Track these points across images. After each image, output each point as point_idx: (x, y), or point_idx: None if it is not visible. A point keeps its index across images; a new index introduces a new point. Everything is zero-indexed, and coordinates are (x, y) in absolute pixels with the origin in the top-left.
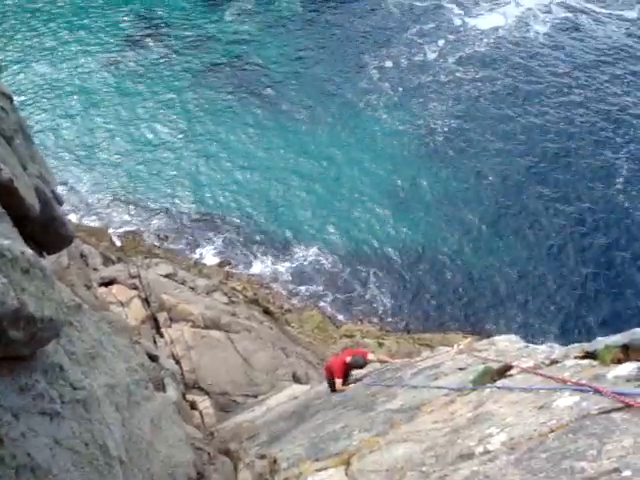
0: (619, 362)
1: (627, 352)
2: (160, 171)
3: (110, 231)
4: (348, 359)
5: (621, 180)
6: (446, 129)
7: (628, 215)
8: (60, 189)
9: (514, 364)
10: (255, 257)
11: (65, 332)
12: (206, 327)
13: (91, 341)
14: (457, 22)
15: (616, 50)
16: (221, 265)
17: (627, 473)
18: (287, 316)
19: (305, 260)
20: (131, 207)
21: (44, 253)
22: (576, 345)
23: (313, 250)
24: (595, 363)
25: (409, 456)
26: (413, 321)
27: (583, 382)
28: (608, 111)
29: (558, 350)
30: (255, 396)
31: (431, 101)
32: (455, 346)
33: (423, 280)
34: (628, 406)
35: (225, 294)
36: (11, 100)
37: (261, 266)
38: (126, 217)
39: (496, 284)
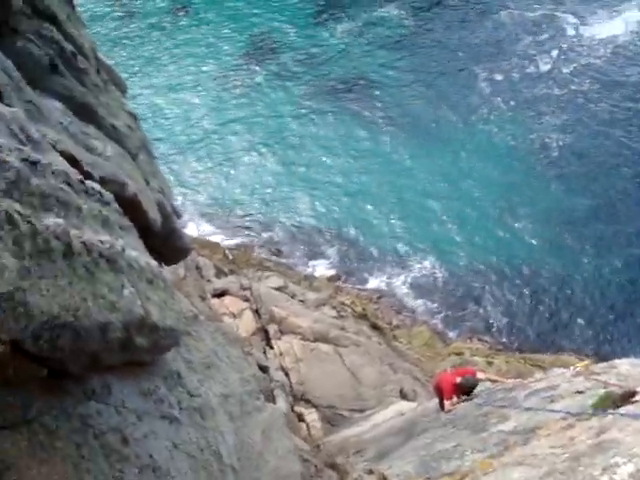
0: None
1: None
2: (272, 186)
3: (223, 244)
4: (458, 380)
5: None
6: (561, 143)
7: None
8: (179, 202)
9: (639, 389)
10: (365, 272)
11: (184, 341)
12: (315, 340)
13: (207, 351)
14: (571, 32)
15: None
16: (331, 279)
17: None
18: (395, 332)
19: (417, 275)
20: (244, 220)
21: (163, 264)
22: None
23: (426, 265)
24: None
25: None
26: (524, 340)
27: None
28: None
29: None
30: (362, 411)
31: (544, 115)
32: (572, 368)
33: (539, 298)
34: None
35: (334, 308)
36: (136, 118)
37: (371, 281)
38: (239, 230)
39: (618, 305)
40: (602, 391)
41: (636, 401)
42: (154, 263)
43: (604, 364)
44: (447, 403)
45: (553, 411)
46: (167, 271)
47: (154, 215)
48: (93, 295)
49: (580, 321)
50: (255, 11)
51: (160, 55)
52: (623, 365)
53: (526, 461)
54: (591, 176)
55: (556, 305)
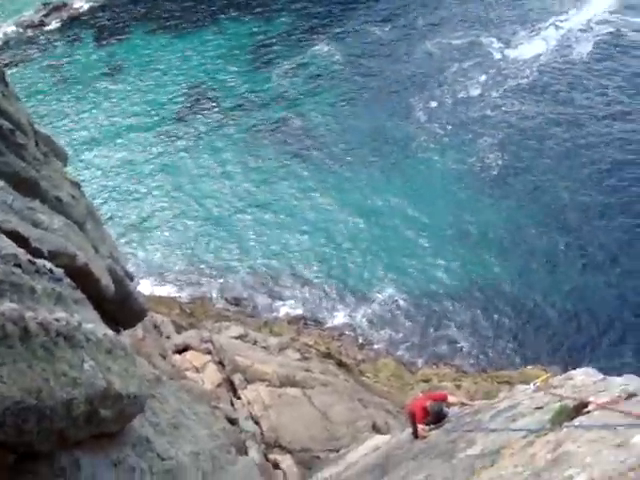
0: None
1: None
2: (223, 236)
3: (179, 298)
4: (428, 405)
5: None
6: (500, 162)
7: None
8: (129, 263)
9: (591, 400)
10: (325, 310)
11: (149, 405)
12: (282, 385)
13: (173, 411)
14: (497, 55)
15: None
16: (291, 322)
17: None
18: (361, 366)
19: (377, 307)
20: (197, 273)
21: (121, 329)
22: None
23: (385, 296)
24: None
25: None
26: (490, 359)
27: None
28: None
29: (636, 382)
30: (337, 450)
31: (481, 136)
32: (532, 384)
33: (498, 317)
34: None
35: (297, 350)
36: (79, 187)
37: (332, 319)
38: (194, 283)
39: (573, 315)
40: (557, 405)
41: (588, 412)
42: (111, 332)
43: (562, 376)
44: (420, 428)
45: (515, 430)
46: (126, 335)
47: (106, 282)
48: (54, 374)
49: (541, 334)
50: (189, 64)
51: (98, 118)
52: (578, 376)
53: None
54: (532, 190)
55: (516, 321)
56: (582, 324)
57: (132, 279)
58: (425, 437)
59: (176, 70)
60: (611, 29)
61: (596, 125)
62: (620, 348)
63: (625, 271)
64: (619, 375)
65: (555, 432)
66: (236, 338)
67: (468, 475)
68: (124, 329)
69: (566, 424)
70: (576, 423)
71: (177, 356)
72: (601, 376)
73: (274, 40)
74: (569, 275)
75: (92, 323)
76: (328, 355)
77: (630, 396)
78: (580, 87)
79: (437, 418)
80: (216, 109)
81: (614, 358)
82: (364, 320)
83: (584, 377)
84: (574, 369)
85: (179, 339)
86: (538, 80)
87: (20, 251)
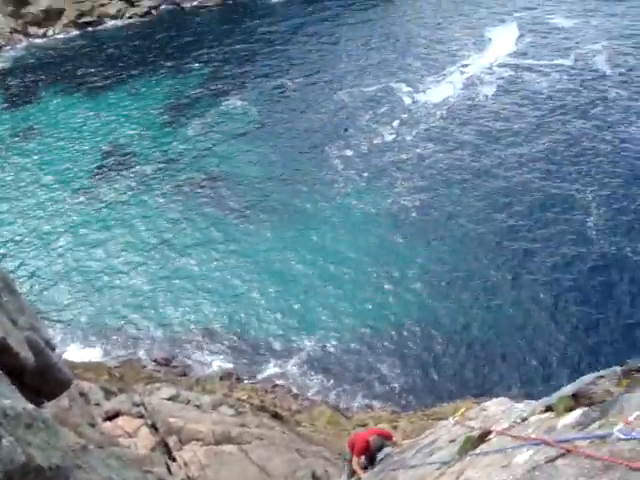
0: (572, 410)
1: (577, 400)
2: (148, 296)
3: (108, 362)
4: (371, 438)
5: (596, 217)
6: (417, 203)
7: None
8: (51, 330)
9: (492, 428)
10: (256, 364)
11: (75, 476)
12: (217, 443)
13: None
14: (408, 100)
15: (560, 94)
16: (223, 378)
17: None
18: (297, 417)
19: (307, 356)
20: (124, 336)
21: (44, 401)
22: (542, 400)
23: (314, 344)
24: (552, 415)
25: None
26: (423, 396)
27: (534, 437)
28: (569, 153)
29: (530, 406)
30: None
31: (397, 180)
32: (450, 418)
33: (428, 353)
34: (568, 451)
35: (231, 406)
36: None
37: (263, 371)
38: (121, 346)
39: (497, 348)
40: (464, 436)
41: (489, 439)
42: (30, 406)
43: (477, 408)
44: (354, 460)
45: (430, 463)
46: (50, 406)
47: (25, 354)
48: None
49: (472, 366)
50: (104, 124)
51: (9, 185)
52: (492, 406)
53: None
54: (448, 227)
55: (445, 355)
56: (507, 356)
57: (54, 349)
58: (357, 472)
59: (91, 131)
60: (511, 72)
61: (503, 157)
62: (546, 371)
63: (549, 304)
64: (537, 398)
65: (461, 461)
66: (168, 399)
67: None
68: (48, 400)
69: (470, 453)
70: (477, 451)
71: (107, 423)
72: (510, 404)
73: (188, 96)
74: (491, 306)
75: (9, 399)
76: (262, 408)
77: (523, 420)
78: (486, 125)
79: (373, 455)
80: (134, 169)
81: (538, 382)
82: (295, 369)
83: (496, 407)
84: (492, 399)
85: (109, 405)
86: (448, 122)
87: None
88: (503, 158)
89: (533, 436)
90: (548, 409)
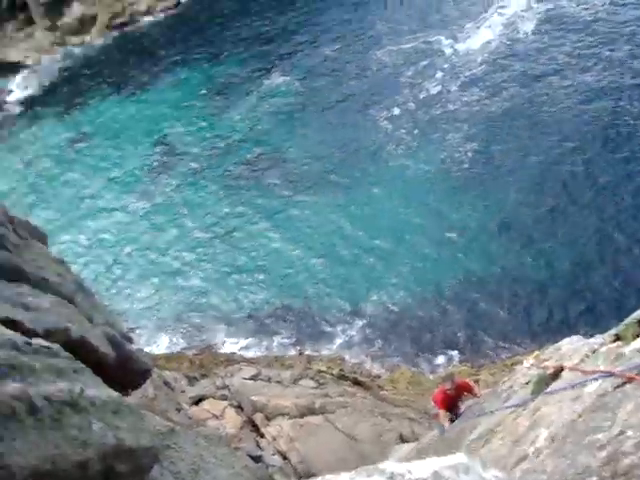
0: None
1: None
2: (214, 285)
3: (187, 352)
4: (447, 388)
5: None
6: (470, 155)
7: None
8: (131, 328)
9: (564, 365)
10: (328, 334)
11: (166, 455)
12: (303, 415)
13: (191, 458)
14: (448, 51)
15: (604, 22)
16: (300, 352)
17: (629, 433)
18: (378, 381)
19: (378, 320)
20: (198, 324)
21: (129, 391)
22: (612, 330)
23: (383, 308)
24: (621, 343)
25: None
26: (502, 347)
27: (601, 369)
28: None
29: (600, 338)
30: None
31: (447, 133)
32: (525, 362)
33: (496, 305)
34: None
35: (312, 379)
36: (63, 263)
37: (337, 341)
38: (197, 334)
39: (570, 286)
40: (535, 376)
41: (561, 376)
42: (115, 394)
43: (551, 348)
44: (441, 413)
45: (505, 407)
46: (136, 396)
47: (105, 349)
48: (64, 439)
49: (542, 311)
50: (151, 123)
51: (72, 190)
52: (565, 345)
53: (486, 458)
54: (503, 178)
55: (515, 304)
56: (582, 289)
57: (132, 342)
58: (444, 422)
59: (140, 129)
60: (549, 5)
61: (553, 101)
62: (620, 303)
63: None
64: (605, 332)
65: (535, 401)
66: (250, 379)
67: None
68: (133, 390)
69: (544, 391)
70: (549, 389)
71: (194, 407)
72: (584, 340)
73: (228, 81)
74: (556, 252)
75: (94, 388)
76: (343, 377)
77: (594, 352)
78: (531, 65)
79: (457, 406)
80: (187, 160)
81: (612, 315)
82: (367, 336)
83: (569, 345)
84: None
85: (193, 391)
86: (492, 67)
87: (17, 336)
88: (551, 96)
89: (601, 368)
90: (618, 338)
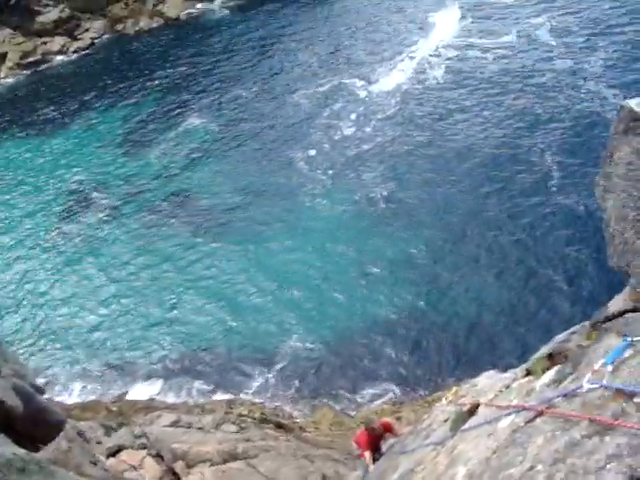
0: (549, 369)
1: (553, 359)
2: (132, 327)
3: (104, 400)
4: (369, 428)
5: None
6: (385, 193)
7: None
8: (42, 378)
9: (480, 401)
10: (248, 375)
11: None
12: (224, 461)
13: None
14: (362, 93)
15: (506, 67)
16: (220, 396)
17: (539, 467)
18: (300, 423)
19: (297, 361)
20: (115, 370)
21: (40, 446)
22: (523, 365)
23: (302, 350)
24: (532, 378)
25: None
26: (422, 384)
27: (513, 405)
28: (521, 123)
29: (512, 373)
30: None
31: (362, 173)
32: (444, 399)
33: (417, 343)
34: (541, 413)
35: (233, 423)
36: None
37: (257, 383)
38: (114, 382)
39: (485, 325)
40: (453, 414)
41: (477, 412)
42: (21, 451)
43: (467, 385)
44: (366, 455)
45: (426, 445)
46: (46, 451)
47: (12, 402)
48: None
49: (462, 348)
50: (63, 164)
51: None
52: (482, 380)
53: None
54: (419, 210)
55: (436, 341)
56: (497, 328)
57: (43, 393)
58: (369, 463)
59: (51, 171)
60: (457, 52)
61: (459, 139)
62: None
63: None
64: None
65: (453, 438)
66: (169, 426)
67: None
68: (44, 444)
69: (461, 428)
70: (467, 425)
71: (111, 459)
72: (499, 375)
73: (144, 122)
74: (466, 290)
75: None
76: (265, 420)
77: (507, 387)
78: (439, 105)
79: (378, 446)
80: (102, 203)
81: (524, 350)
82: (288, 377)
83: (486, 380)
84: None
85: (110, 441)
86: (403, 108)
87: None
88: (457, 135)
89: (515, 402)
90: (529, 373)
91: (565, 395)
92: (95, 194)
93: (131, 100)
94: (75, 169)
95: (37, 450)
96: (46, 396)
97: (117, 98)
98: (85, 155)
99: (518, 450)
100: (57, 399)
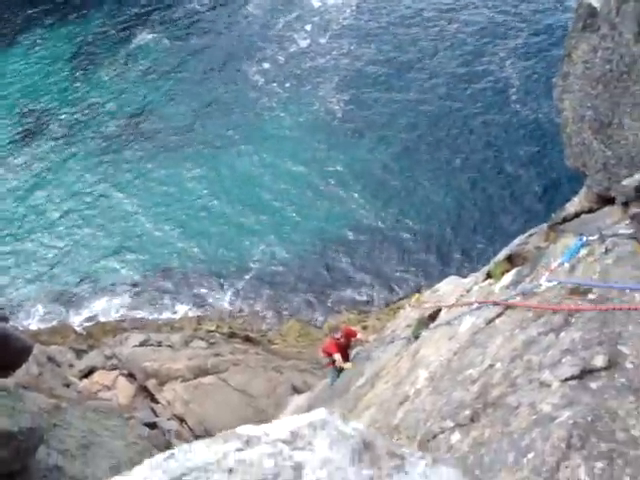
0: (508, 272)
1: (513, 261)
2: (94, 248)
3: (72, 323)
4: (337, 336)
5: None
6: (342, 105)
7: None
8: (4, 305)
9: (442, 305)
10: (215, 291)
11: (52, 435)
12: (195, 377)
13: (80, 433)
14: (316, 4)
15: None
16: (188, 313)
17: (498, 365)
18: (268, 336)
19: (263, 275)
20: (81, 294)
21: (10, 372)
22: (483, 269)
23: (267, 263)
24: (492, 281)
25: (372, 419)
26: (386, 292)
27: (473, 300)
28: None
29: (473, 277)
30: (268, 421)
31: (319, 84)
32: (407, 306)
33: (380, 251)
34: (507, 308)
35: (202, 339)
36: None
37: (225, 298)
38: (81, 305)
39: (446, 231)
40: (415, 318)
41: (438, 317)
42: None
43: (429, 291)
44: (337, 357)
45: (387, 352)
46: (16, 376)
47: None
48: None
49: (423, 255)
50: (10, 85)
51: None
52: (443, 287)
53: (371, 403)
54: (376, 122)
55: (398, 248)
56: (458, 233)
57: (7, 320)
58: (344, 367)
59: None
60: None
61: (420, 46)
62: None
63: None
64: (476, 271)
65: (415, 342)
66: (139, 345)
67: (356, 403)
68: (13, 371)
69: (423, 332)
70: (428, 329)
71: (85, 380)
72: (461, 280)
73: (94, 41)
74: (429, 199)
75: None
76: (233, 335)
77: (468, 291)
78: (398, 17)
79: (346, 353)
80: (52, 129)
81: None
82: (254, 290)
83: (446, 286)
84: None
85: (82, 364)
86: (359, 18)
87: None
88: (417, 43)
89: (473, 301)
90: (489, 276)
91: (523, 294)
92: (44, 119)
93: (80, 19)
94: (21, 91)
95: (7, 376)
96: (10, 323)
97: (66, 12)
98: (32, 75)
99: (478, 350)
100: (22, 325)
